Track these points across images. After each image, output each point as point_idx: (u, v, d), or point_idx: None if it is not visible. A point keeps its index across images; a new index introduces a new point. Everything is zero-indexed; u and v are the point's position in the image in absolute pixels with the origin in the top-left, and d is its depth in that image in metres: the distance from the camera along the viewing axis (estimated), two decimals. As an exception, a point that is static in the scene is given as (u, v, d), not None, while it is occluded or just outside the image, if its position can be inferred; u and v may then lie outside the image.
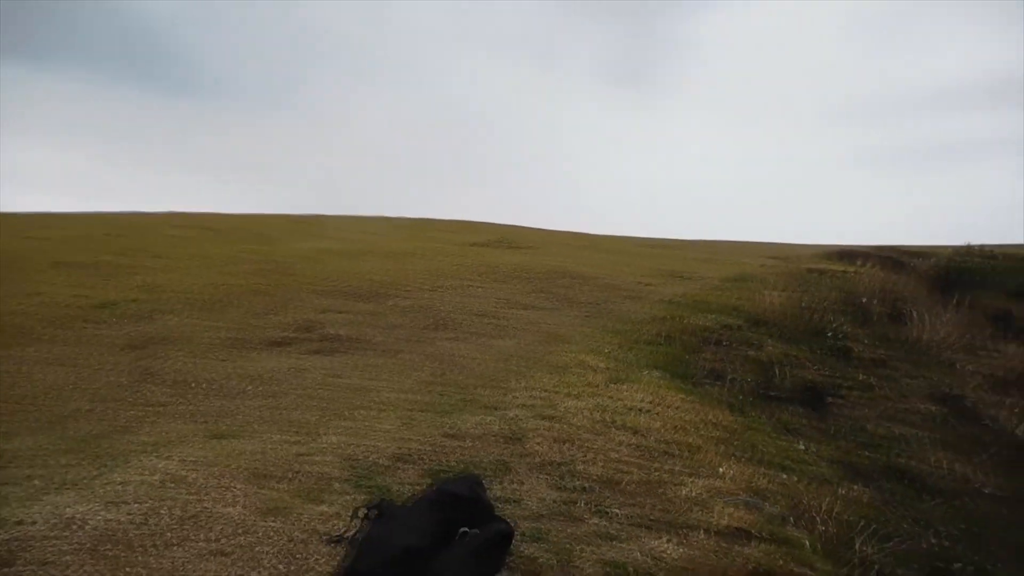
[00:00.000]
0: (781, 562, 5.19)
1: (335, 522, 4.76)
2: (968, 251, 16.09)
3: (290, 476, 5.43)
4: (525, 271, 14.45)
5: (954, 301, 14.64)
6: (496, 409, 7.14)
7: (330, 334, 9.86)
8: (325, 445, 6.02)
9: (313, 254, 15.50)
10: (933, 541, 7.88)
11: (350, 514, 4.62)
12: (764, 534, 5.41)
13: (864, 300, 12.02)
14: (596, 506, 5.37)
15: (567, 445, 6.30)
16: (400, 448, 6.02)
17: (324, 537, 4.62)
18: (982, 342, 13.44)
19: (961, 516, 8.19)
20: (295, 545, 4.53)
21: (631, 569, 4.60)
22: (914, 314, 11.95)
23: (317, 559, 4.41)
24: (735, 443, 7.33)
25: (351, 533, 4.47)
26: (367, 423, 6.65)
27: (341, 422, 6.65)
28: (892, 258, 17.03)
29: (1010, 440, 9.82)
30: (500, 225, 23.30)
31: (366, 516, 4.19)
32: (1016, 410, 10.75)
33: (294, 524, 4.77)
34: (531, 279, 13.83)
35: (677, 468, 6.11)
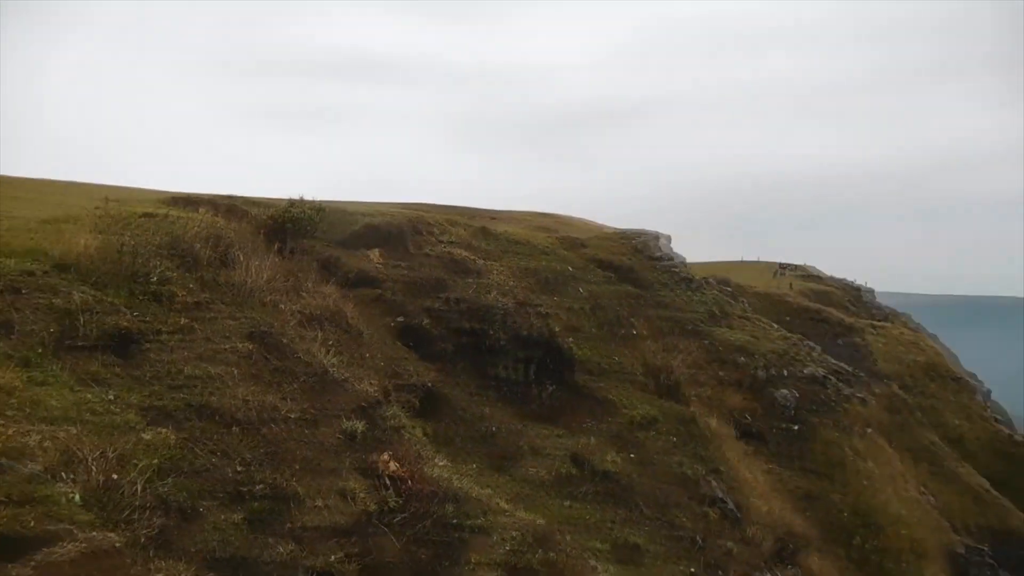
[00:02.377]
0: (31, 523, 4.69)
1: None
2: (300, 203, 17.60)
3: None
4: None
5: (285, 248, 15.82)
6: None
7: None
8: None
9: None
10: (237, 469, 8.35)
11: None
12: (13, 497, 4.82)
13: (195, 245, 12.02)
14: None
15: None
16: None
17: None
18: (306, 284, 14.82)
19: (264, 442, 8.86)
20: None
21: None
22: (242, 259, 12.47)
23: None
24: (11, 402, 6.43)
25: None
26: None
27: None
28: (233, 206, 17.57)
29: (316, 369, 11.03)
30: None
31: None
32: (324, 342, 12.14)
33: None
34: None
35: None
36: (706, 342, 24.50)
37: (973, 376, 43.33)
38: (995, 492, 29.95)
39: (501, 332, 18.03)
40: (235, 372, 9.51)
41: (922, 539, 22.39)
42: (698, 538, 14.03)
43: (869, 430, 25.44)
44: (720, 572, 13.44)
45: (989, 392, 43.18)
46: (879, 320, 47.44)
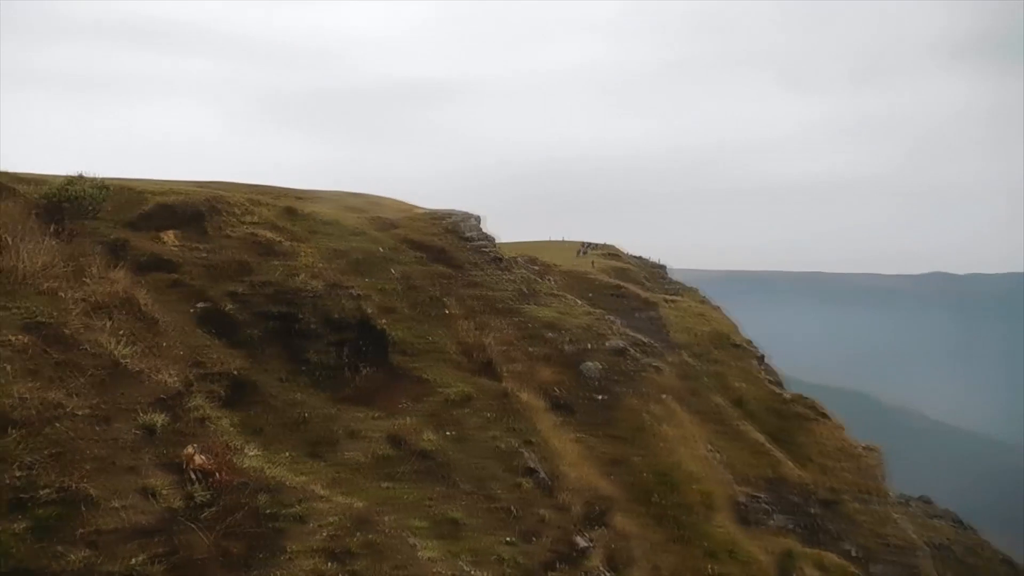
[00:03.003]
0: None
1: None
2: (80, 180, 15.93)
3: None
4: None
5: (63, 230, 14.34)
6: None
7: None
8: None
9: None
10: (16, 474, 7.50)
11: None
12: None
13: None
14: None
15: None
16: None
17: None
18: (91, 270, 13.52)
19: (48, 443, 8.01)
20: None
21: None
22: (11, 242, 11.12)
23: None
24: None
25: None
26: None
27: None
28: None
29: (106, 361, 10.12)
30: None
31: None
32: (115, 332, 11.17)
33: None
34: None
35: None
36: (517, 319, 25.27)
37: (751, 342, 48.03)
38: (770, 445, 33.53)
39: (312, 315, 17.51)
40: (8, 368, 8.51)
41: (712, 492, 24.59)
42: (514, 508, 14.49)
43: (665, 396, 27.49)
44: (535, 539, 13.97)
45: (764, 356, 48.06)
46: (672, 294, 51.28)
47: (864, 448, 40.23)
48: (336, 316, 17.71)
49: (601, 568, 14.43)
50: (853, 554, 31.15)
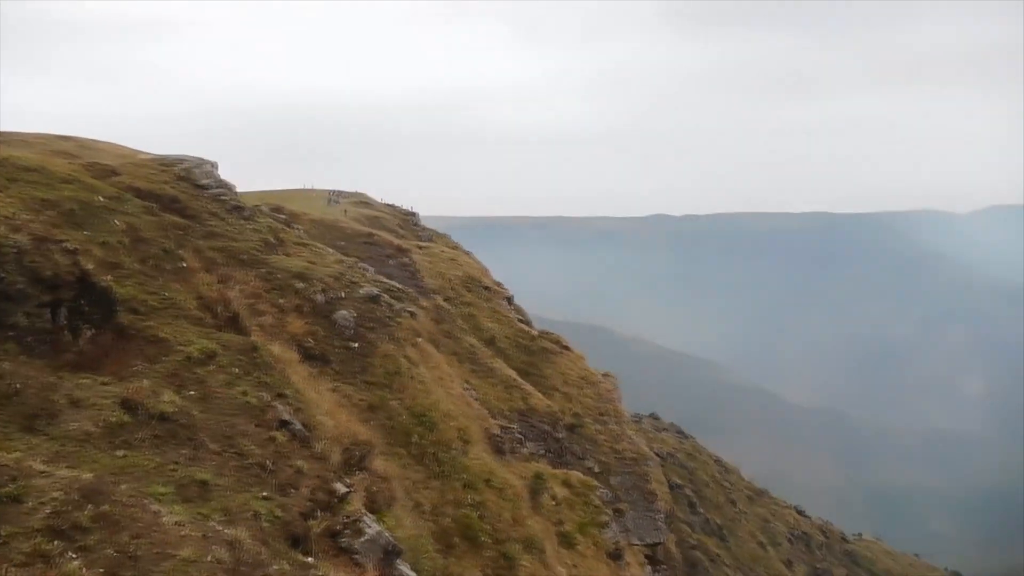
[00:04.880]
0: None
1: None
2: None
3: None
4: None
5: None
6: None
7: None
8: None
9: None
10: None
11: None
12: None
13: None
14: None
15: None
16: None
17: None
18: None
19: None
20: None
21: None
22: None
23: None
24: None
25: None
26: None
27: None
28: None
29: None
30: None
31: None
32: None
33: None
34: None
35: None
36: (264, 271, 24.11)
37: (501, 284, 50.21)
38: (521, 379, 35.56)
39: (17, 274, 15.32)
40: None
41: (468, 427, 25.60)
42: (268, 462, 14.00)
43: (420, 340, 27.92)
44: (292, 490, 13.65)
45: (513, 297, 50.55)
46: (424, 240, 51.91)
47: (602, 376, 44.12)
48: (48, 274, 15.66)
49: (361, 510, 14.49)
50: (595, 470, 34.29)
